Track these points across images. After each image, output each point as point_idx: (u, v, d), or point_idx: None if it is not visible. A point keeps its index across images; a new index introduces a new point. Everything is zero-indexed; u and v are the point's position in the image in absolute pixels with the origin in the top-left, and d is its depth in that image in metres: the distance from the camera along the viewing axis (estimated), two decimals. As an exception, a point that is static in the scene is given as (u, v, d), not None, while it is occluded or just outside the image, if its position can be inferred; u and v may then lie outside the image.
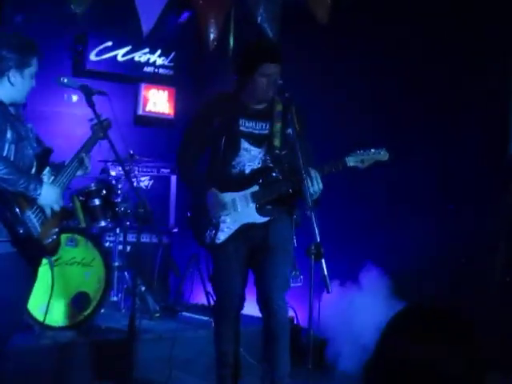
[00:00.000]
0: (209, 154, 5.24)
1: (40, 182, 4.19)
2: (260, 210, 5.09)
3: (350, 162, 4.97)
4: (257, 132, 5.16)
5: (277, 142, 5.11)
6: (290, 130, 4.97)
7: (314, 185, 4.83)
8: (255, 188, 5.09)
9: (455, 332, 1.81)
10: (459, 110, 6.58)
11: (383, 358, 1.83)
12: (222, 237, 5.09)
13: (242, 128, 5.14)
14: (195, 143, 5.22)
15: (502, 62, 6.31)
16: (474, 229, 6.36)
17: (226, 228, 5.09)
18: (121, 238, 7.22)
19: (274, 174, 5.12)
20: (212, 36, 7.55)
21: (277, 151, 5.12)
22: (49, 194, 4.21)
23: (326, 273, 4.30)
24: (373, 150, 4.99)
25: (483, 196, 6.39)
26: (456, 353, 1.77)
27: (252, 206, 5.10)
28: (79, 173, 4.54)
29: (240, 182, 5.11)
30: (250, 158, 5.13)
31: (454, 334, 1.81)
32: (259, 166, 5.14)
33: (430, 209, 6.73)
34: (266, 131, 5.16)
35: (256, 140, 5.14)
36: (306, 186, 4.61)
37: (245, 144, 5.12)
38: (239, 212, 5.09)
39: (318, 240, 4.38)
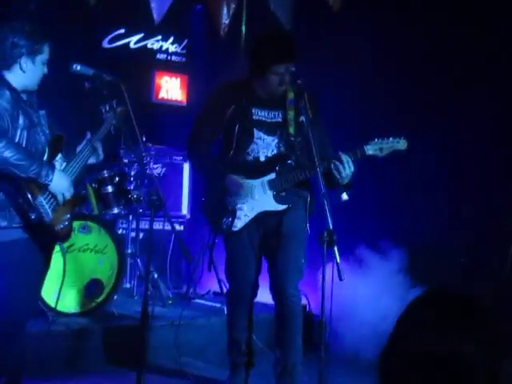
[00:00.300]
0: (221, 141, 5.23)
1: (52, 168, 4.20)
2: (277, 198, 5.09)
3: (369, 150, 4.96)
4: (269, 121, 5.14)
5: (291, 130, 5.10)
6: (302, 118, 4.96)
7: (346, 168, 4.84)
8: (272, 176, 5.09)
9: (472, 319, 1.79)
10: (472, 97, 6.57)
11: (397, 347, 1.81)
12: (238, 224, 5.08)
13: (254, 117, 5.13)
14: (207, 130, 5.20)
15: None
16: (486, 210, 6.40)
17: (244, 216, 5.08)
18: (133, 225, 7.24)
19: (289, 162, 5.12)
20: (224, 23, 7.53)
21: (292, 139, 5.11)
22: (60, 181, 4.22)
23: (338, 260, 4.30)
24: (391, 139, 4.97)
25: (495, 181, 6.39)
26: (472, 341, 1.75)
27: (269, 193, 5.09)
28: (92, 161, 4.55)
29: (256, 170, 5.10)
30: (264, 145, 5.13)
31: (471, 322, 1.79)
32: (274, 153, 5.13)
33: (441, 192, 6.74)
34: (279, 119, 5.15)
35: (269, 128, 5.13)
36: (319, 172, 4.61)
37: (258, 133, 5.11)
38: (256, 200, 5.08)
39: (331, 227, 4.38)
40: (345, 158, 4.86)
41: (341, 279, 4.31)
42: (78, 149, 4.47)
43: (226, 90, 5.28)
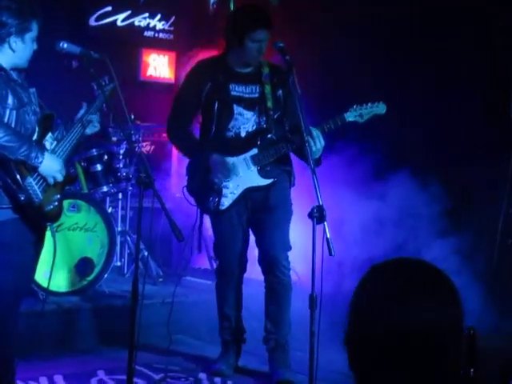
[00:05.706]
0: (201, 120, 5.24)
1: (41, 150, 4.16)
2: (262, 173, 5.11)
3: (349, 117, 5.03)
4: (247, 96, 5.17)
5: (269, 104, 5.13)
6: (280, 92, 5.10)
7: (317, 143, 4.86)
8: (254, 151, 5.11)
9: (434, 288, 1.77)
10: (462, 70, 6.59)
11: (362, 324, 1.77)
12: (226, 203, 5.10)
13: (233, 93, 5.16)
14: (186, 110, 5.22)
15: (505, 18, 6.32)
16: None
17: (230, 193, 5.09)
18: (123, 203, 7.23)
19: (269, 136, 5.14)
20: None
21: (271, 113, 5.13)
22: (51, 165, 4.18)
23: (328, 235, 4.32)
24: (370, 104, 5.08)
25: (483, 156, 6.42)
26: (443, 313, 1.74)
27: (254, 169, 5.11)
28: (88, 131, 4.50)
29: (238, 146, 5.13)
30: (244, 121, 5.15)
31: (433, 290, 1.77)
32: (254, 128, 5.15)
33: (428, 167, 6.76)
34: (257, 94, 5.18)
35: (248, 104, 5.16)
36: (307, 146, 4.63)
37: (238, 109, 5.14)
38: (241, 176, 5.10)
39: (321, 202, 4.39)
40: (315, 132, 4.88)
41: (331, 254, 4.33)
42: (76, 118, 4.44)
43: (201, 68, 5.30)
